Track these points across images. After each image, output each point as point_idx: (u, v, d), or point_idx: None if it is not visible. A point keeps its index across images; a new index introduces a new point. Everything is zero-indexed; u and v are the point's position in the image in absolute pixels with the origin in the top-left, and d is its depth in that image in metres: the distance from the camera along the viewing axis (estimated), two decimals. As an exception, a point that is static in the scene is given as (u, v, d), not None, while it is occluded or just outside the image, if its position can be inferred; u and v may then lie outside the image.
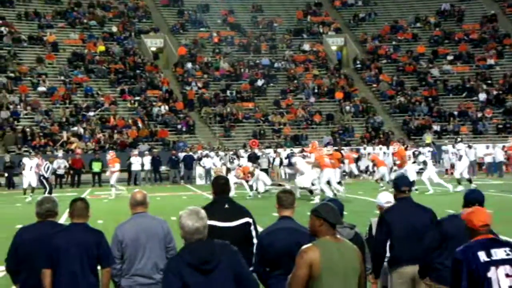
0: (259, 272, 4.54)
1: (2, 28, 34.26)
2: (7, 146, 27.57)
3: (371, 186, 20.04)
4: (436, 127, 32.91)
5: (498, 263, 3.74)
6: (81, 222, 4.67)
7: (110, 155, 20.95)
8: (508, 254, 3.79)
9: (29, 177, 20.06)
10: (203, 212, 3.63)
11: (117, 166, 20.13)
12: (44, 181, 18.94)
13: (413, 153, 20.58)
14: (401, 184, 5.39)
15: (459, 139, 23.40)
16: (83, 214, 4.69)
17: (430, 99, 34.87)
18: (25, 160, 21.01)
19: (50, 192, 17.64)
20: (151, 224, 4.77)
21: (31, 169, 20.08)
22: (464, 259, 3.77)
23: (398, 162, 19.20)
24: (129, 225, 4.80)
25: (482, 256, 3.76)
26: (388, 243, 5.18)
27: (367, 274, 4.87)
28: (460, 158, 19.92)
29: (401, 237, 5.12)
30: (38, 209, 4.87)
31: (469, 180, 19.09)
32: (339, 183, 18.15)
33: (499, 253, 3.77)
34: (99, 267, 4.70)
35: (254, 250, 4.66)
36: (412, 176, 17.59)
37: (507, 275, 3.73)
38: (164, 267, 3.58)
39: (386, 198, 5.61)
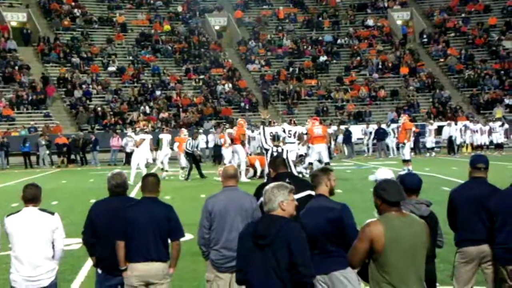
0: None
1: (75, 10, 35.59)
2: (80, 125, 28.90)
3: (438, 162, 19.66)
4: (508, 101, 31.65)
5: None
6: (152, 196, 4.82)
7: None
8: None
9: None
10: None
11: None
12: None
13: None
14: (476, 161, 5.04)
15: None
16: (154, 188, 4.83)
17: (502, 72, 33.48)
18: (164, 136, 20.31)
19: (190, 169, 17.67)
20: (241, 197, 4.87)
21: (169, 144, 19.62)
22: None
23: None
24: (219, 196, 4.91)
25: None
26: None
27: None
28: None
29: None
30: (108, 184, 5.03)
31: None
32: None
33: None
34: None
35: None
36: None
37: None
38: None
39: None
